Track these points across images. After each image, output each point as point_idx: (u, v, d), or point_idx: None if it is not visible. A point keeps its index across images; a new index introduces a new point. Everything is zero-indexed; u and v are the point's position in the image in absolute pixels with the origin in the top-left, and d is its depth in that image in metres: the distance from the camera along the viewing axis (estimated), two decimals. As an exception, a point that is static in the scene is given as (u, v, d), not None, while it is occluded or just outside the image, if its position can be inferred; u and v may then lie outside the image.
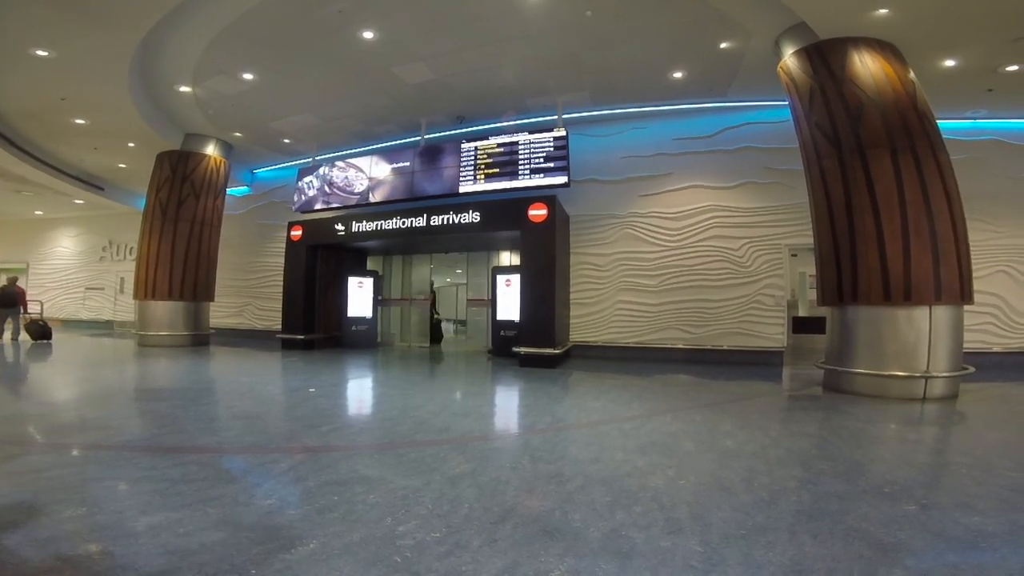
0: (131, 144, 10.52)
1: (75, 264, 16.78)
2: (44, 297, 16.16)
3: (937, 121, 5.91)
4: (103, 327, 15.45)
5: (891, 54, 6.01)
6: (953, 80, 7.07)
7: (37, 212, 16.57)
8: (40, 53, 7.12)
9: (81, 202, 14.59)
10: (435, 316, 12.33)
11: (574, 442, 3.73)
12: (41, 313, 15.08)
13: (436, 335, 12.25)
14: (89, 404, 4.83)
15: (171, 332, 10.31)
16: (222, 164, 11.11)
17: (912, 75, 6.03)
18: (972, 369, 5.58)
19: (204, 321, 11.04)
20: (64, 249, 17.06)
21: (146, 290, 10.37)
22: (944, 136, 5.86)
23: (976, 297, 5.77)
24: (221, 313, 12.68)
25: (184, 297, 10.48)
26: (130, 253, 14.97)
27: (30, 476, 2.69)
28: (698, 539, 2.08)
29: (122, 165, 12.08)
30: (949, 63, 6.74)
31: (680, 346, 8.77)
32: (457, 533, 2.11)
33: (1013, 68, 6.82)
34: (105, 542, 1.96)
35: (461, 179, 9.34)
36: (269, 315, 12.30)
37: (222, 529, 2.10)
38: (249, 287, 13.04)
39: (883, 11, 5.60)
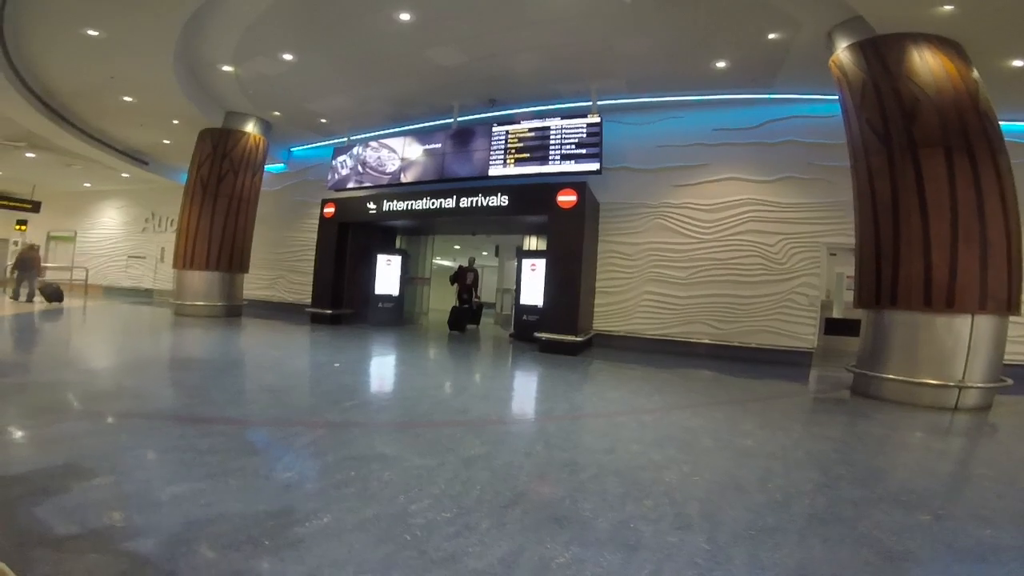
0: (175, 121, 10.86)
1: (119, 234, 17.50)
2: (89, 265, 16.98)
3: (1001, 123, 5.57)
4: (143, 295, 16.14)
5: (953, 52, 5.65)
6: (1020, 80, 6.63)
7: (86, 184, 17.31)
8: (91, 33, 7.40)
9: (127, 176, 15.18)
10: (475, 299, 11.58)
11: (590, 431, 3.75)
12: (86, 280, 15.96)
13: (466, 321, 11.32)
14: (125, 373, 5.06)
15: (207, 302, 10.71)
16: (260, 142, 11.36)
17: (975, 74, 5.66)
18: (1010, 382, 5.32)
19: (238, 292, 11.41)
20: (110, 220, 17.80)
21: (184, 260, 10.77)
22: (1008, 139, 5.53)
23: (1024, 308, 5.49)
24: (254, 285, 13.07)
25: (220, 268, 10.85)
26: (171, 225, 15.51)
27: (64, 444, 2.74)
28: (706, 536, 2.07)
29: (166, 141, 12.49)
30: (1018, 63, 6.34)
31: (706, 341, 8.64)
32: (467, 515, 2.15)
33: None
34: (129, 511, 2.02)
35: (491, 162, 9.33)
36: (300, 288, 12.63)
37: (241, 500, 2.17)
38: (282, 261, 13.40)
39: (948, 7, 5.26)
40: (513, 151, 9.17)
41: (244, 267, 11.41)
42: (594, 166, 8.52)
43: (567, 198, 8.07)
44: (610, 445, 3.31)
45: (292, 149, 13.55)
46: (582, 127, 8.69)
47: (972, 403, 5.15)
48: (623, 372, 6.56)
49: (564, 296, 7.91)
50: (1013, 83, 6.62)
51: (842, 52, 6.16)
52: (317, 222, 11.07)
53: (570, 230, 8.05)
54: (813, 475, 2.99)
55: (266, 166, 12.03)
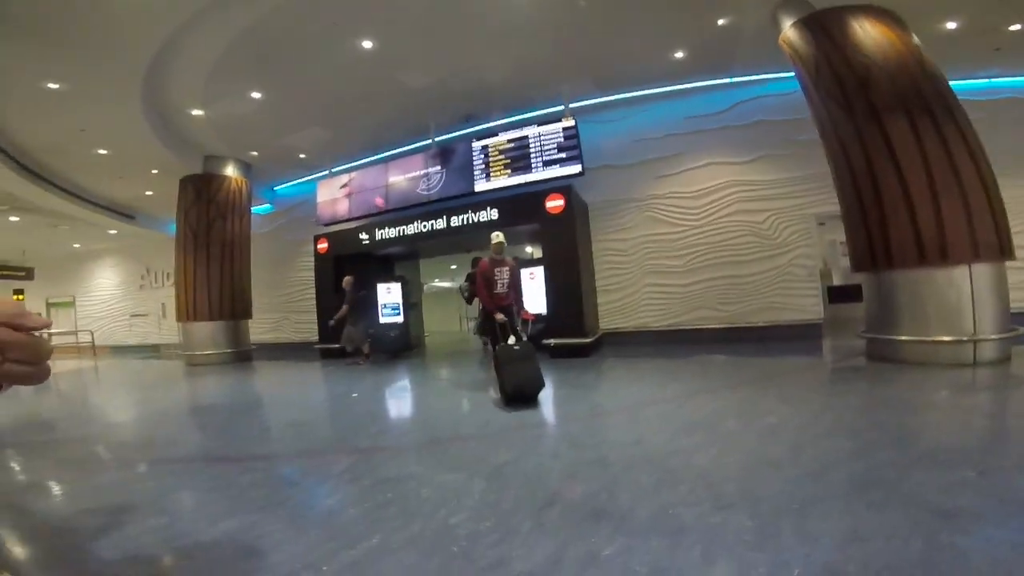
0: (154, 171, 10.83)
1: (117, 294, 17.40)
2: (93, 327, 16.92)
3: (950, 82, 5.68)
4: (150, 351, 16.06)
5: (891, 20, 5.80)
6: (958, 42, 6.86)
7: (75, 245, 17.23)
8: (52, 86, 7.29)
9: (115, 232, 15.09)
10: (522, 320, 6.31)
11: (614, 427, 3.75)
12: (92, 342, 15.93)
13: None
14: (153, 422, 5.09)
15: (215, 351, 10.70)
16: (243, 184, 11.41)
17: (915, 39, 5.80)
18: (1023, 330, 5.28)
19: (245, 337, 11.41)
20: (106, 280, 17.71)
21: (187, 312, 10.77)
22: (960, 97, 5.63)
23: (1018, 253, 5.50)
24: (260, 329, 13.00)
25: (223, 316, 10.84)
26: (168, 279, 15.49)
27: (111, 490, 2.90)
28: (748, 514, 2.07)
29: (149, 192, 12.44)
30: (951, 25, 6.58)
31: (714, 326, 8.65)
32: (507, 520, 2.16)
33: (1017, 27, 6.63)
34: (187, 547, 2.10)
35: (476, 178, 9.38)
36: (306, 327, 12.57)
37: (293, 529, 2.22)
38: (283, 302, 13.38)
39: None
40: (496, 164, 9.23)
41: (247, 313, 11.41)
42: (576, 168, 8.56)
43: (555, 203, 8.13)
44: (636, 437, 3.32)
45: (276, 188, 13.58)
46: (559, 132, 8.74)
47: (990, 356, 5.06)
48: (637, 366, 6.55)
49: (567, 300, 7.93)
50: (950, 45, 6.78)
51: (789, 31, 6.28)
52: (312, 259, 11.08)
53: (563, 234, 8.09)
54: (844, 444, 2.94)
55: (253, 208, 12.07)
